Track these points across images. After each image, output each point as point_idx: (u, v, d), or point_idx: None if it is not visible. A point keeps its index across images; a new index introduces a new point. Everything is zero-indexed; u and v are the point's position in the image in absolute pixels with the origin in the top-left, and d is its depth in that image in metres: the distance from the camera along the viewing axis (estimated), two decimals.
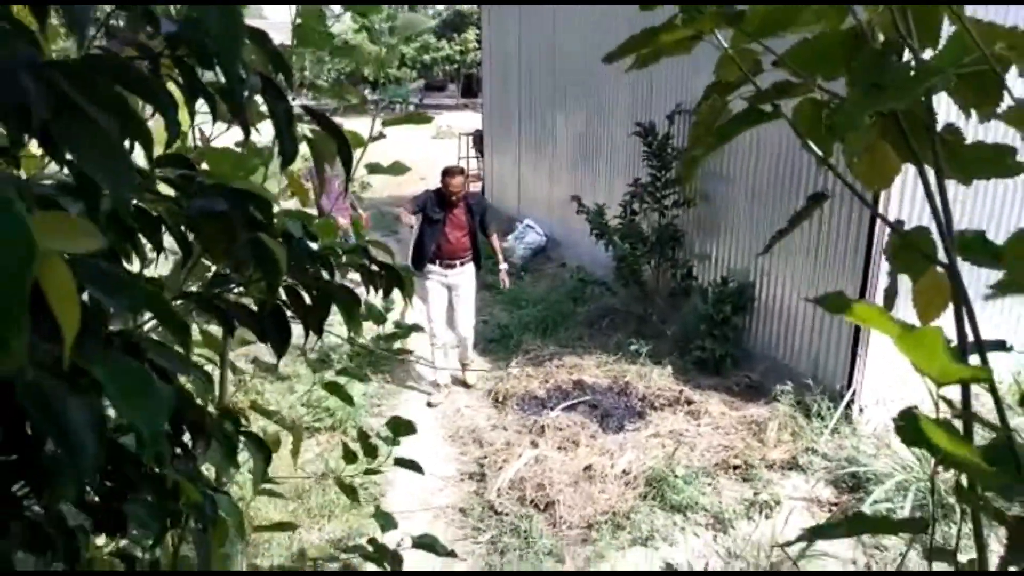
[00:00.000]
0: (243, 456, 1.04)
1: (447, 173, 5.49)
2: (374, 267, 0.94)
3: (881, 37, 0.64)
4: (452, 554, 1.15)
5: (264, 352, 0.99)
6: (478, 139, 13.78)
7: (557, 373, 5.81)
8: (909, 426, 0.58)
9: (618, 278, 7.06)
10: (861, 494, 4.25)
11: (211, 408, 0.89)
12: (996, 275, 0.63)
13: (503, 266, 6.01)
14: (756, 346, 5.88)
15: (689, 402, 5.23)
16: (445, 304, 5.65)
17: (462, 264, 5.63)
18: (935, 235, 0.69)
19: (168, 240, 0.75)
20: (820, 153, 0.70)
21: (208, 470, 0.90)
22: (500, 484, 4.36)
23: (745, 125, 0.68)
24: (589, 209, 7.09)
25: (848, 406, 4.89)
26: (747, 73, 0.69)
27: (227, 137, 0.97)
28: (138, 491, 0.70)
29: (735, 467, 4.49)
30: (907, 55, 0.63)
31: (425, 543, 1.13)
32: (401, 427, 1.24)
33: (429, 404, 5.60)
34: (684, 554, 3.76)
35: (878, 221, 4.69)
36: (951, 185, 0.67)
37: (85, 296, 0.60)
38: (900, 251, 0.69)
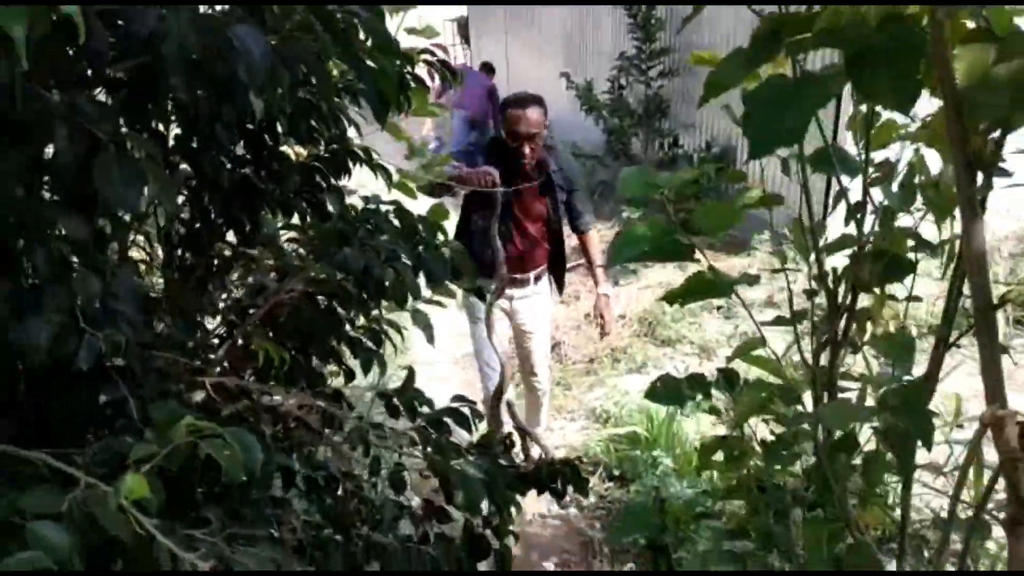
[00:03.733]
0: None
1: (514, 103, 2.85)
2: None
3: None
4: None
5: None
6: (463, 25, 13.65)
7: None
8: None
9: (608, 151, 7.46)
10: None
11: None
12: None
13: (604, 289, 3.21)
14: None
15: None
16: (508, 335, 3.28)
17: (536, 279, 3.19)
18: None
19: None
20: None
21: None
22: None
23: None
24: (578, 85, 7.38)
25: None
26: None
27: None
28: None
29: (718, 307, 5.06)
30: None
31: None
32: None
33: None
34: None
35: None
36: None
37: None
38: None
